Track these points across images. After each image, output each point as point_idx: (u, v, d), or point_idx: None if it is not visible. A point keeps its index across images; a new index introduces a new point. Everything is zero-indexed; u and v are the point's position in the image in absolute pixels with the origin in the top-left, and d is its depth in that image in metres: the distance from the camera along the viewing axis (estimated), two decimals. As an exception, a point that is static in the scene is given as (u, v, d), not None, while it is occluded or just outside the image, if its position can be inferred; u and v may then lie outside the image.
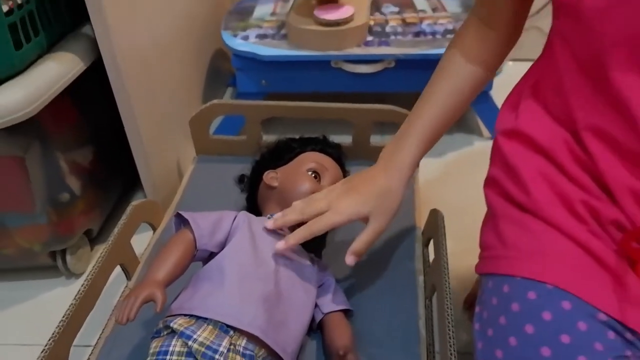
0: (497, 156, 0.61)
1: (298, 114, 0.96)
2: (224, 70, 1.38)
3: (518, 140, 0.57)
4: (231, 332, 0.55)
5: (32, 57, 0.74)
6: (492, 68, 0.63)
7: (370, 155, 0.88)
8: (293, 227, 0.67)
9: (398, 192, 0.63)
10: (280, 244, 0.60)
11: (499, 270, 0.53)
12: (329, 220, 0.60)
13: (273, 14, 1.24)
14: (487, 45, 0.62)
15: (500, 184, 0.58)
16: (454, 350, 0.57)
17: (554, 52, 0.56)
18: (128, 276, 0.77)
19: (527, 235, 0.52)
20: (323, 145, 0.82)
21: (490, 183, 0.61)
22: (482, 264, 0.57)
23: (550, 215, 0.52)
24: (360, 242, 0.60)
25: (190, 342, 0.52)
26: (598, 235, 0.50)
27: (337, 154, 0.82)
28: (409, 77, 1.05)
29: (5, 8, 0.67)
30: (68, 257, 0.89)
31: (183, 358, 0.52)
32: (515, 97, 0.61)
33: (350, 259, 0.60)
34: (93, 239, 0.98)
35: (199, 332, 0.53)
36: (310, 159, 0.77)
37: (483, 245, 0.59)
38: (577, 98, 0.52)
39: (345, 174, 0.82)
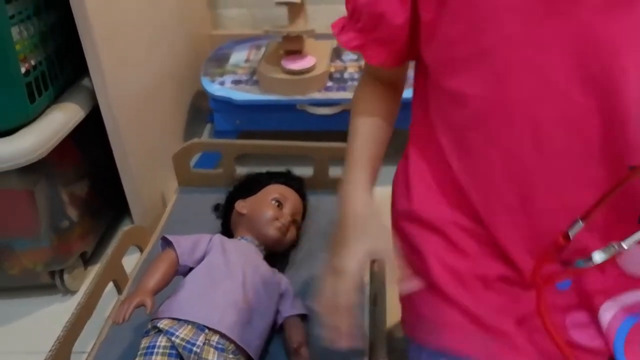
0: (400, 233, 0.65)
1: (267, 150, 1.11)
2: (204, 109, 1.53)
3: (416, 223, 0.62)
4: (206, 331, 0.69)
5: (43, 107, 0.88)
6: (395, 112, 0.68)
7: (328, 186, 1.05)
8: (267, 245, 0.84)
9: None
10: None
11: (415, 339, 0.62)
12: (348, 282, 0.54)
13: (247, 60, 1.41)
14: (387, 96, 0.66)
15: (409, 260, 0.60)
16: (384, 346, 0.72)
17: (442, 148, 0.60)
18: (119, 291, 0.91)
19: (430, 308, 0.59)
20: (286, 179, 0.97)
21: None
22: (404, 328, 0.67)
23: (445, 291, 0.58)
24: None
25: (173, 338, 0.66)
26: (484, 298, 0.57)
27: (297, 185, 0.97)
28: (364, 117, 1.22)
29: (23, 69, 0.82)
30: (65, 276, 1.02)
31: (167, 350, 0.66)
32: (403, 175, 0.66)
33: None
34: (87, 260, 1.11)
35: (180, 331, 0.67)
36: (274, 191, 0.92)
37: (402, 311, 0.67)
38: (471, 185, 0.58)
39: (305, 202, 0.98)
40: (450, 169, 0.60)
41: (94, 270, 1.09)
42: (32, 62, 0.85)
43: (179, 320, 0.69)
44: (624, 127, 0.50)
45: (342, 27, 0.62)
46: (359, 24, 0.60)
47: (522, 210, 0.57)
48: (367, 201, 0.59)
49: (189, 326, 0.68)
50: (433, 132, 0.62)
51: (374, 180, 0.62)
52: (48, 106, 0.90)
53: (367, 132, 0.64)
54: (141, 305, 0.68)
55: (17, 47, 0.80)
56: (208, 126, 1.56)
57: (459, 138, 0.59)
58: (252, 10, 1.73)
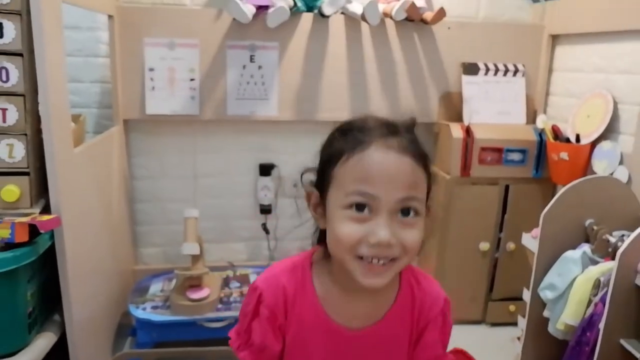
0: None
1: (176, 355, 1.67)
2: (127, 324, 2.06)
3: None
4: None
5: (34, 336, 1.40)
6: None
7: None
8: None
9: None
10: None
11: None
12: None
13: (162, 290, 2.01)
14: None
15: None
16: None
17: None
18: None
19: None
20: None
21: None
22: None
23: None
24: None
25: None
26: None
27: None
28: (243, 328, 1.83)
29: (28, 310, 1.36)
30: None
31: None
32: None
33: None
34: None
35: None
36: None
37: None
38: None
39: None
40: None
41: None
42: (31, 308, 1.39)
43: None
44: None
45: (238, 345, 0.95)
46: (253, 347, 0.93)
47: None
48: None
49: None
50: None
51: None
52: (36, 334, 1.42)
53: None
54: None
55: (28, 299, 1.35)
56: (129, 339, 2.07)
57: None
58: (165, 249, 2.39)
